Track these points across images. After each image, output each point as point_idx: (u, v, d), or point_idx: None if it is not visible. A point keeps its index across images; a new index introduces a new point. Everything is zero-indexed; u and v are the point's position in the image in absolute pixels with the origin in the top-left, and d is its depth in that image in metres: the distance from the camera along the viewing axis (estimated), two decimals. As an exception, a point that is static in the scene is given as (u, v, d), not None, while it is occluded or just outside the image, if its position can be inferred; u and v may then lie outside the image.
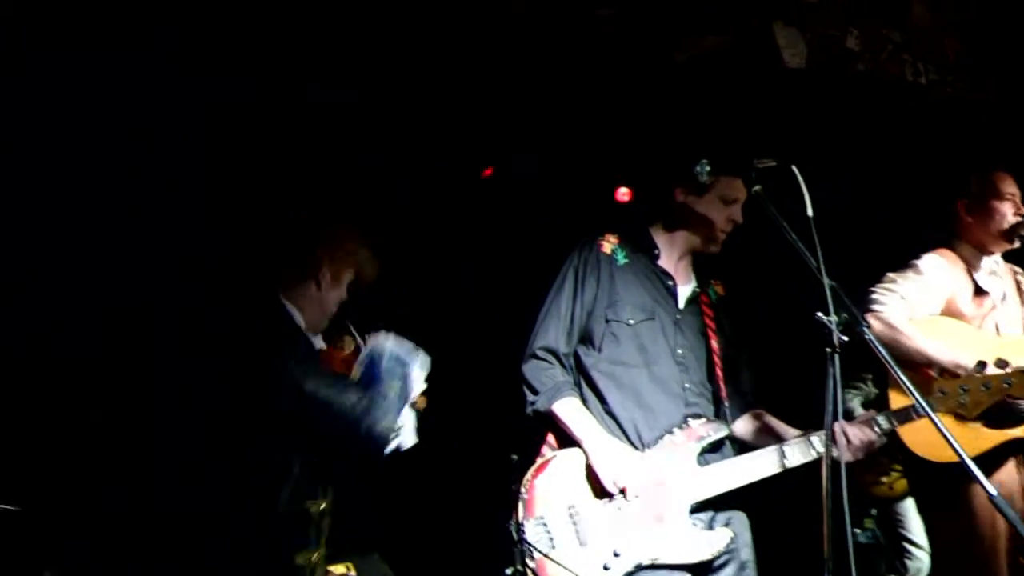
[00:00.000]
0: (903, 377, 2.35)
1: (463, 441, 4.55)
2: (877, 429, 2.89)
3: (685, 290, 3.08)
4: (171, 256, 4.12)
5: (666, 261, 3.07)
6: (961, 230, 3.58)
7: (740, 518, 2.94)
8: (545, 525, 2.78)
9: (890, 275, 3.50)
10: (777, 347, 3.34)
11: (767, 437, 3.00)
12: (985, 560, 3.29)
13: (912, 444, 3.28)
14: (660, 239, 3.09)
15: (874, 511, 5.32)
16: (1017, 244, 3.51)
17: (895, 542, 5.32)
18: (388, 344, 2.68)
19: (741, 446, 3.06)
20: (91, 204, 4.02)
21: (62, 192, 3.94)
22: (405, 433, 2.71)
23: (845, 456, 2.66)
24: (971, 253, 3.56)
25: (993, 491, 2.22)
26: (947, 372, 3.20)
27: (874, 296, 3.42)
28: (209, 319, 2.72)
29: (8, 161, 3.73)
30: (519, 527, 2.78)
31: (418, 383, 2.71)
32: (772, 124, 4.12)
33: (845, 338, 2.32)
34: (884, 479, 5.18)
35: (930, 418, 2.35)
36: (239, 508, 2.52)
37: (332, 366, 2.76)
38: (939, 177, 3.74)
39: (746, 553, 2.91)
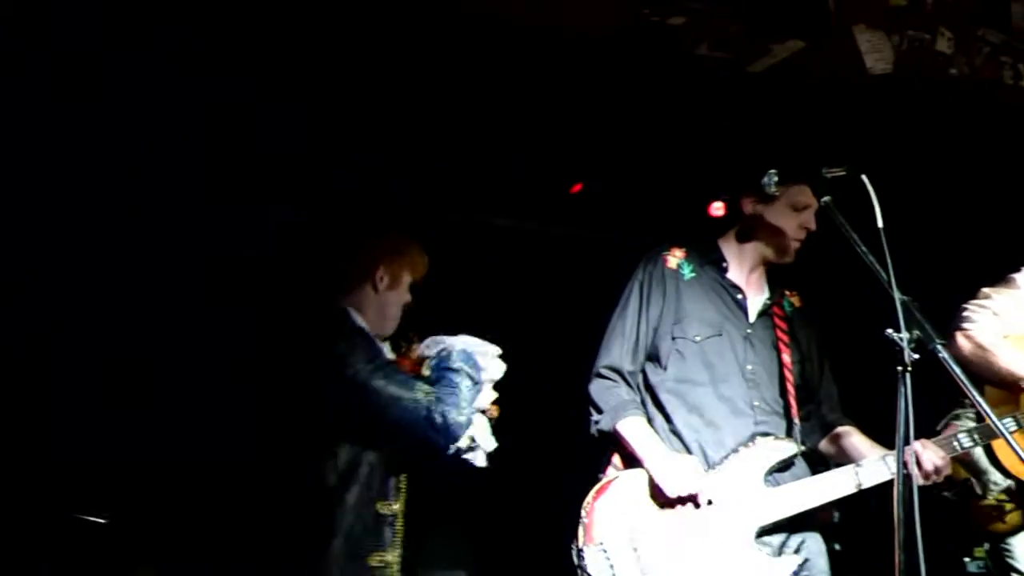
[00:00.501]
0: (976, 395, 2.13)
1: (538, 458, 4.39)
2: (958, 447, 2.70)
3: (756, 303, 2.90)
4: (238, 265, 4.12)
5: (735, 273, 2.90)
6: None
7: (815, 540, 2.74)
8: (605, 552, 2.61)
9: (985, 290, 3.31)
10: (862, 360, 3.06)
11: (851, 455, 2.78)
12: None
13: (1015, 469, 3.18)
14: (730, 251, 2.92)
15: (987, 544, 5.01)
16: None
17: (1005, 574, 5.00)
18: (459, 341, 2.64)
19: (826, 464, 2.86)
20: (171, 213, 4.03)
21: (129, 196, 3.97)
22: (481, 440, 2.61)
23: (919, 480, 2.52)
24: None
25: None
26: None
27: (966, 313, 3.25)
28: (276, 327, 2.71)
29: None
30: (579, 553, 2.63)
31: (493, 374, 2.63)
32: (852, 133, 3.84)
33: (916, 356, 2.08)
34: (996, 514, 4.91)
35: (1003, 436, 2.16)
36: (305, 509, 2.49)
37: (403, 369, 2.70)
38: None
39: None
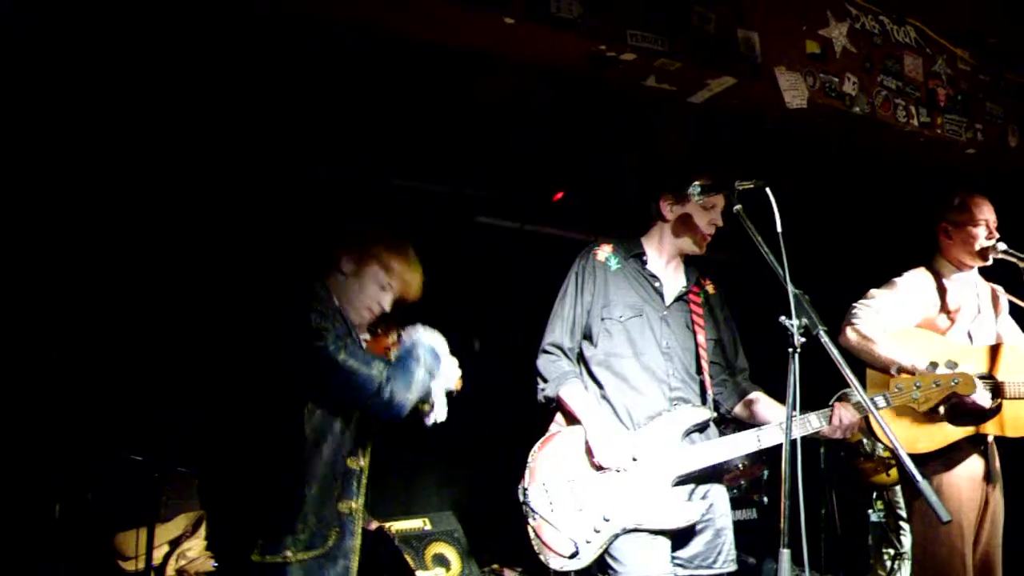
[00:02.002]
0: (851, 375, 2.27)
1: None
2: (863, 406, 2.75)
3: (673, 289, 3.02)
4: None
5: (654, 265, 3.03)
6: (941, 249, 3.49)
7: (719, 491, 2.90)
8: (547, 491, 2.78)
9: (872, 291, 3.44)
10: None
11: (761, 418, 2.94)
12: (951, 543, 3.17)
13: (883, 435, 3.14)
14: (650, 246, 3.05)
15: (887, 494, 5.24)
16: (990, 262, 3.41)
17: (893, 522, 5.18)
18: (425, 338, 2.72)
19: (740, 426, 2.97)
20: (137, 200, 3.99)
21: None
22: (438, 409, 2.74)
23: (835, 433, 2.72)
24: (949, 269, 3.47)
25: (920, 478, 2.14)
26: (905, 372, 3.12)
27: (854, 310, 3.38)
28: (257, 302, 2.76)
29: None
30: (525, 492, 2.79)
31: (448, 368, 2.74)
32: (772, 155, 3.96)
33: (803, 340, 2.21)
34: (881, 468, 5.11)
35: (870, 411, 2.31)
36: (288, 461, 2.56)
37: (374, 351, 2.78)
38: (925, 204, 3.59)
39: (722, 521, 2.86)
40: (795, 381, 2.22)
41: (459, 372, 2.78)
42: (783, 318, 2.25)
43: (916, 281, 3.41)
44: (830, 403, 2.81)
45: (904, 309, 3.35)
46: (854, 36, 3.81)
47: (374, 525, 3.17)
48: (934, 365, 2.81)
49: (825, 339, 2.23)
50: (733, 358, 3.05)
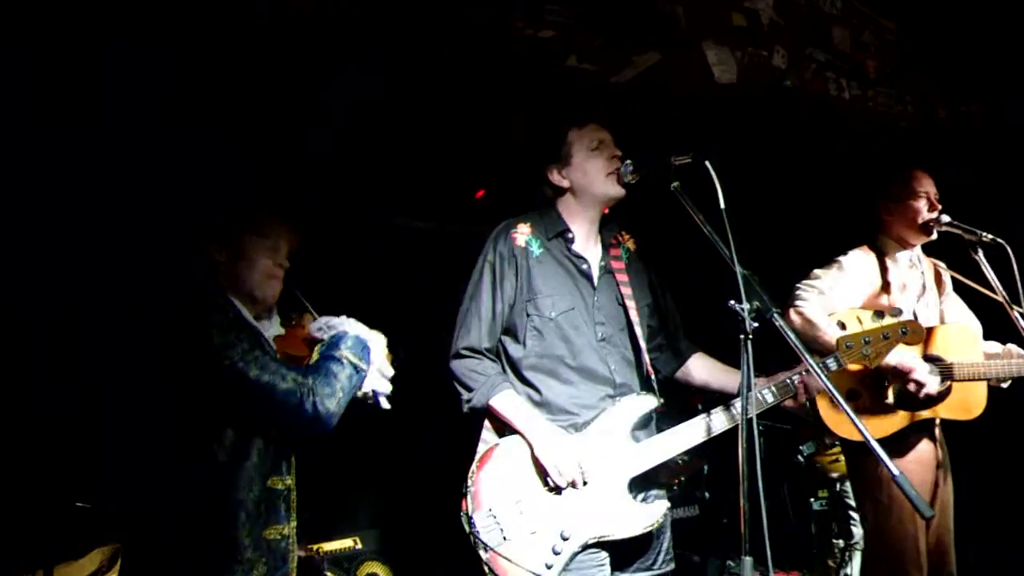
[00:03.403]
0: (807, 356, 2.05)
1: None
2: (826, 372, 2.53)
3: (596, 264, 2.71)
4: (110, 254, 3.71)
5: (580, 243, 2.70)
6: (883, 226, 3.36)
7: (658, 487, 2.65)
8: (494, 517, 2.45)
9: (816, 271, 3.28)
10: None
11: (705, 382, 2.75)
12: (904, 529, 3.05)
13: (831, 424, 3.09)
14: (571, 219, 2.70)
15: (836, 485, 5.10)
16: (934, 237, 3.28)
17: (843, 512, 5.08)
18: (348, 329, 2.39)
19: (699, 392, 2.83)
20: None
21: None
22: (380, 389, 2.42)
23: (801, 399, 2.51)
24: (892, 248, 3.34)
25: (896, 471, 1.92)
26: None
27: (797, 292, 3.21)
28: (151, 315, 2.39)
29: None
30: (470, 520, 2.45)
31: (379, 363, 2.41)
32: (703, 131, 3.75)
33: (756, 324, 1.96)
34: (835, 459, 5.02)
35: (826, 387, 2.08)
36: (198, 493, 2.22)
37: (293, 346, 2.45)
38: (863, 179, 3.44)
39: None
40: (748, 371, 1.97)
41: (390, 356, 2.45)
42: (732, 302, 2.00)
43: (859, 260, 3.27)
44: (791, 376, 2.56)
45: (848, 290, 3.21)
46: (781, 7, 3.62)
47: (302, 553, 2.83)
48: (879, 314, 2.60)
49: (780, 322, 2.00)
50: (665, 318, 2.77)
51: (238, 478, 2.23)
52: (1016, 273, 3.00)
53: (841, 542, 5.04)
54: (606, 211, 2.76)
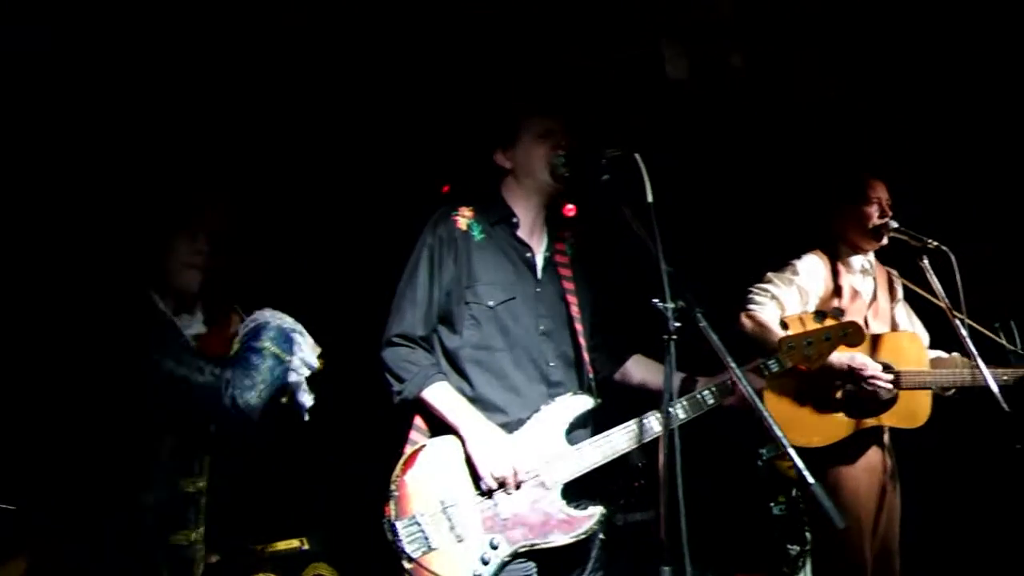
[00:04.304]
0: (729, 359, 2.00)
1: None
2: (766, 373, 2.57)
3: (541, 254, 2.61)
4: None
5: (525, 230, 2.60)
6: (836, 231, 3.34)
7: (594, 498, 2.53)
8: (418, 524, 2.33)
9: (769, 275, 3.27)
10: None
11: (643, 383, 2.66)
12: (850, 535, 3.03)
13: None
14: (516, 204, 2.60)
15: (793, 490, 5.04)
16: (885, 242, 3.27)
17: (799, 517, 5.07)
18: (270, 320, 2.30)
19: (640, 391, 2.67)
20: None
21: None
22: (302, 396, 2.34)
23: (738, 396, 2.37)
24: (845, 252, 3.34)
25: (812, 480, 1.89)
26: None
27: (750, 295, 3.20)
28: (66, 311, 2.28)
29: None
30: (392, 527, 2.33)
31: (303, 356, 2.32)
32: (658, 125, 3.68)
33: (679, 324, 1.90)
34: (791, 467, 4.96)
35: (749, 396, 2.02)
36: (103, 495, 2.14)
37: (216, 345, 2.35)
38: (818, 183, 3.46)
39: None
40: (671, 372, 1.91)
41: (317, 348, 2.36)
42: (656, 300, 1.93)
43: (812, 265, 3.26)
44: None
45: (800, 294, 3.20)
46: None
47: (214, 558, 2.74)
48: (821, 315, 2.58)
49: (703, 323, 1.94)
50: (607, 317, 2.68)
51: (145, 479, 2.14)
52: (958, 281, 2.99)
53: (796, 547, 5.02)
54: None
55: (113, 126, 3.17)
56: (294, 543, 4.47)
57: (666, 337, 1.93)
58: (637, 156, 2.08)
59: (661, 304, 1.93)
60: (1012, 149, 3.87)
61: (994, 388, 2.84)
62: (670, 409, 2.37)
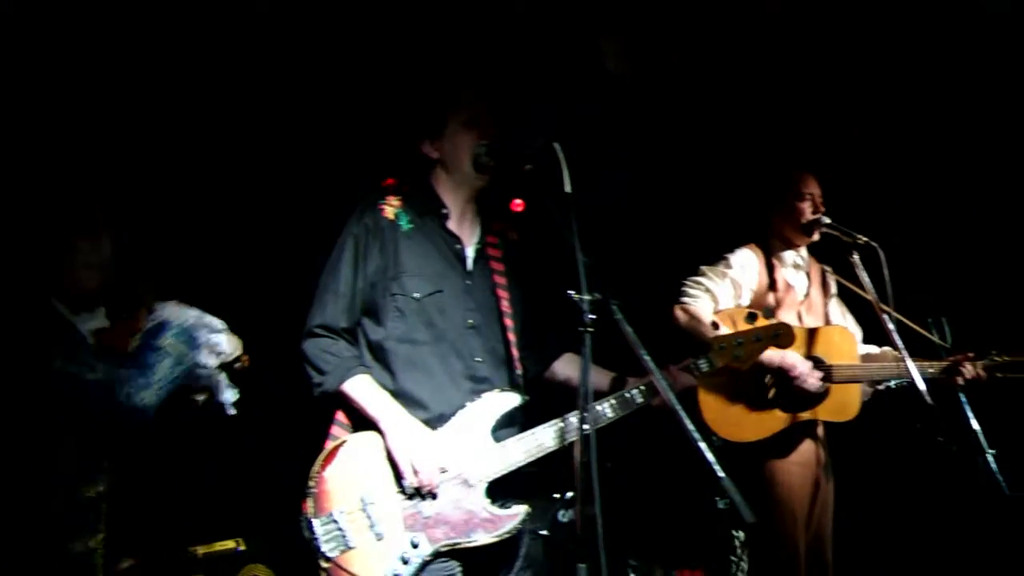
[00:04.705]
0: (644, 353, 1.98)
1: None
2: (696, 372, 2.56)
3: (472, 248, 2.56)
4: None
5: (455, 222, 2.55)
6: (770, 226, 3.36)
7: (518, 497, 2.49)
8: (336, 522, 2.27)
9: (703, 268, 3.27)
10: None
11: (573, 382, 2.60)
12: (784, 528, 3.07)
13: (712, 423, 3.06)
14: (445, 195, 2.55)
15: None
16: (816, 238, 3.29)
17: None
18: (173, 317, 2.22)
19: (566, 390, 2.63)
20: None
21: None
22: (223, 393, 2.29)
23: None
24: (779, 247, 3.36)
25: (723, 475, 1.87)
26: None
27: (684, 289, 3.21)
28: None
29: None
30: (309, 525, 2.27)
31: (218, 344, 2.26)
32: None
33: (594, 316, 1.88)
34: None
35: (663, 391, 2.00)
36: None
37: (117, 340, 2.26)
38: (752, 178, 3.45)
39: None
40: (587, 365, 1.89)
41: (238, 346, 2.29)
42: (572, 292, 1.90)
43: (746, 259, 3.27)
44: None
45: (734, 288, 3.21)
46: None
47: (126, 563, 2.65)
48: (753, 316, 2.58)
49: (619, 315, 1.92)
50: (538, 314, 2.64)
51: (40, 484, 2.04)
52: (886, 276, 3.03)
53: (741, 536, 5.02)
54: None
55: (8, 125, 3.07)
56: (229, 544, 4.37)
57: (582, 330, 1.90)
58: (556, 146, 2.05)
59: (577, 296, 1.91)
60: (942, 145, 3.93)
61: (919, 382, 2.88)
62: (597, 407, 2.40)
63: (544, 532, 4.25)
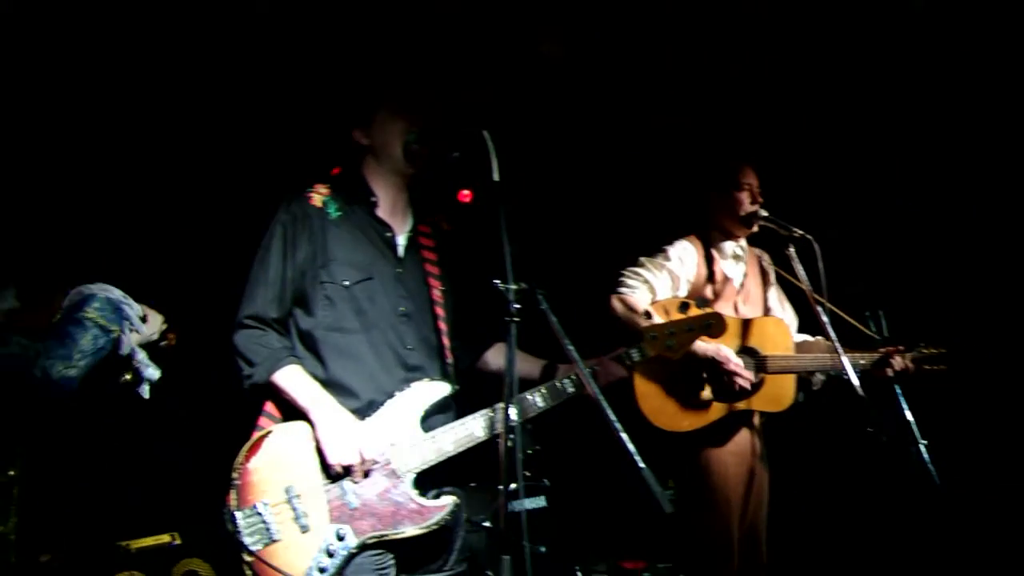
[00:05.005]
0: (571, 348, 1.96)
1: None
2: (628, 362, 2.54)
3: (404, 237, 2.55)
4: None
5: (384, 208, 2.53)
6: (709, 217, 3.38)
7: (456, 490, 2.48)
8: (260, 515, 2.23)
9: (641, 259, 3.28)
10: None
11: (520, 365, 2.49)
12: (718, 518, 3.10)
13: (649, 414, 3.07)
14: (376, 183, 2.53)
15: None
16: (755, 229, 3.32)
17: None
18: (97, 292, 2.21)
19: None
20: None
21: None
22: (146, 371, 2.27)
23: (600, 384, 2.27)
24: (718, 238, 3.38)
25: (642, 465, 1.88)
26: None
27: (622, 278, 3.21)
28: None
29: None
30: (232, 518, 2.23)
31: (136, 327, 2.24)
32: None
33: (519, 306, 1.86)
34: None
35: (583, 378, 2.03)
36: None
37: (29, 321, 2.23)
38: (692, 169, 3.46)
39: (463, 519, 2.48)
40: (513, 355, 1.87)
41: (161, 322, 2.25)
42: (497, 281, 1.89)
43: (685, 250, 3.29)
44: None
45: (672, 279, 3.22)
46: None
47: (44, 558, 2.58)
48: (685, 306, 2.58)
49: (544, 305, 1.91)
50: (471, 304, 2.62)
51: None
52: (821, 269, 3.06)
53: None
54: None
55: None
56: (164, 538, 4.28)
57: (508, 319, 1.88)
58: (486, 133, 2.03)
59: (503, 285, 1.89)
60: (880, 140, 4.00)
61: (850, 373, 2.91)
62: (528, 397, 2.39)
63: (487, 524, 4.26)
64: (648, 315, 2.68)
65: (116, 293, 2.20)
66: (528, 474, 4.88)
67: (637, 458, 1.80)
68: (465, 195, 3.86)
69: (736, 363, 3.04)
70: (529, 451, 4.85)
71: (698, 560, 3.16)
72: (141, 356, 2.26)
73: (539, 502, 5.01)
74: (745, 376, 3.04)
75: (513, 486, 4.34)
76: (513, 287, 1.89)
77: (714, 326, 2.61)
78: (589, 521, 4.86)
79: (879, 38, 3.47)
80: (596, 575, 4.81)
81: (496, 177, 1.97)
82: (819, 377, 3.31)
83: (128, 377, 2.25)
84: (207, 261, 3.79)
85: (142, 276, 2.42)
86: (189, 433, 4.19)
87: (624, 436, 1.81)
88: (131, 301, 2.24)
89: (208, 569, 4.32)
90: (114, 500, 3.96)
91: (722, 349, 3.03)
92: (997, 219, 4.18)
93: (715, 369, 3.05)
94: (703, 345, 2.94)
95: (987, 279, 4.22)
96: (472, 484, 4.55)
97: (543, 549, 4.96)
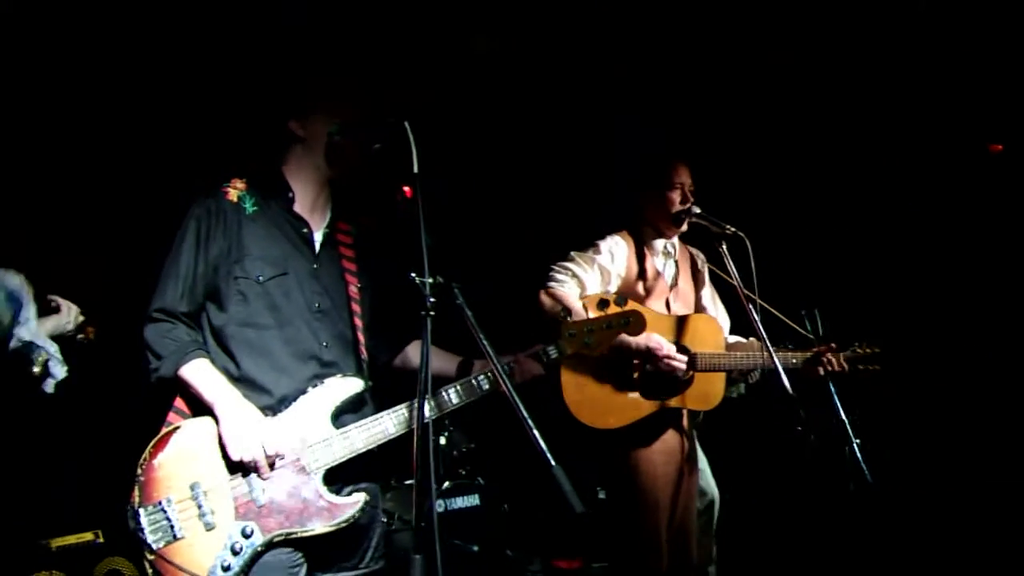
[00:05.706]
0: (486, 344, 1.97)
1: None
2: (545, 359, 2.52)
3: (321, 233, 2.51)
4: None
5: (301, 204, 2.49)
6: (641, 214, 3.40)
7: (371, 487, 2.44)
8: (164, 512, 2.19)
9: (572, 253, 3.29)
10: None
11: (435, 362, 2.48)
12: (646, 517, 3.12)
13: (573, 408, 3.07)
14: (294, 179, 2.49)
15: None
16: (685, 228, 3.35)
17: None
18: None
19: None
20: None
21: None
22: (54, 367, 2.24)
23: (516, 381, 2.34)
24: (649, 235, 3.41)
25: (554, 463, 1.87)
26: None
27: (552, 273, 3.22)
28: None
29: None
30: (135, 515, 2.18)
31: (34, 316, 2.18)
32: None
33: (433, 299, 1.84)
34: None
35: (498, 375, 2.01)
36: None
37: None
38: (625, 166, 3.48)
39: (370, 514, 2.42)
40: (427, 350, 1.85)
41: (78, 314, 2.16)
42: (414, 275, 1.86)
43: (616, 246, 3.30)
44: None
45: (602, 274, 3.23)
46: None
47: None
48: (604, 303, 2.58)
49: (460, 300, 1.89)
50: (391, 302, 2.59)
51: None
52: (753, 266, 3.09)
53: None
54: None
55: None
56: (86, 536, 4.18)
57: (423, 313, 1.86)
58: (406, 124, 2.00)
59: (419, 279, 1.86)
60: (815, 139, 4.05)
61: (780, 370, 2.94)
62: (443, 393, 2.36)
63: (423, 524, 4.22)
64: (568, 312, 2.67)
65: (16, 281, 2.12)
66: (462, 472, 4.88)
67: (549, 456, 1.79)
68: (407, 191, 3.80)
69: (669, 348, 3.06)
70: (464, 448, 4.84)
71: (627, 559, 3.17)
72: (53, 350, 2.18)
73: (473, 500, 5.01)
74: (680, 359, 3.05)
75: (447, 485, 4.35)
76: (429, 281, 1.86)
77: (632, 324, 2.59)
78: (524, 520, 4.86)
79: (814, 34, 3.51)
80: (530, 575, 4.81)
81: (416, 169, 1.94)
82: (756, 373, 3.34)
83: (37, 371, 2.17)
84: (130, 255, 3.71)
85: (62, 267, 2.36)
86: (113, 429, 4.09)
87: (536, 434, 1.80)
88: (25, 292, 2.15)
89: (131, 568, 4.22)
90: (34, 497, 3.85)
91: (653, 336, 3.04)
92: (937, 220, 4.27)
93: (649, 357, 3.06)
94: (634, 337, 2.88)
95: (925, 279, 4.31)
96: (408, 482, 4.54)
97: (475, 548, 4.97)
